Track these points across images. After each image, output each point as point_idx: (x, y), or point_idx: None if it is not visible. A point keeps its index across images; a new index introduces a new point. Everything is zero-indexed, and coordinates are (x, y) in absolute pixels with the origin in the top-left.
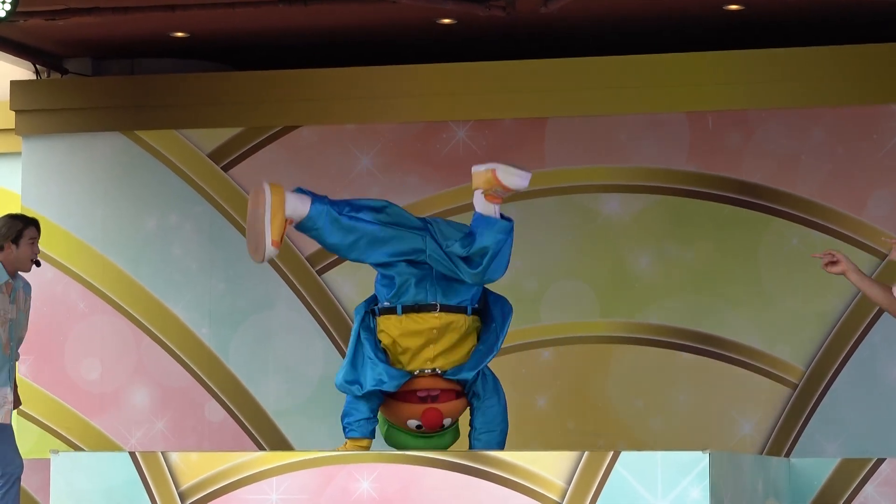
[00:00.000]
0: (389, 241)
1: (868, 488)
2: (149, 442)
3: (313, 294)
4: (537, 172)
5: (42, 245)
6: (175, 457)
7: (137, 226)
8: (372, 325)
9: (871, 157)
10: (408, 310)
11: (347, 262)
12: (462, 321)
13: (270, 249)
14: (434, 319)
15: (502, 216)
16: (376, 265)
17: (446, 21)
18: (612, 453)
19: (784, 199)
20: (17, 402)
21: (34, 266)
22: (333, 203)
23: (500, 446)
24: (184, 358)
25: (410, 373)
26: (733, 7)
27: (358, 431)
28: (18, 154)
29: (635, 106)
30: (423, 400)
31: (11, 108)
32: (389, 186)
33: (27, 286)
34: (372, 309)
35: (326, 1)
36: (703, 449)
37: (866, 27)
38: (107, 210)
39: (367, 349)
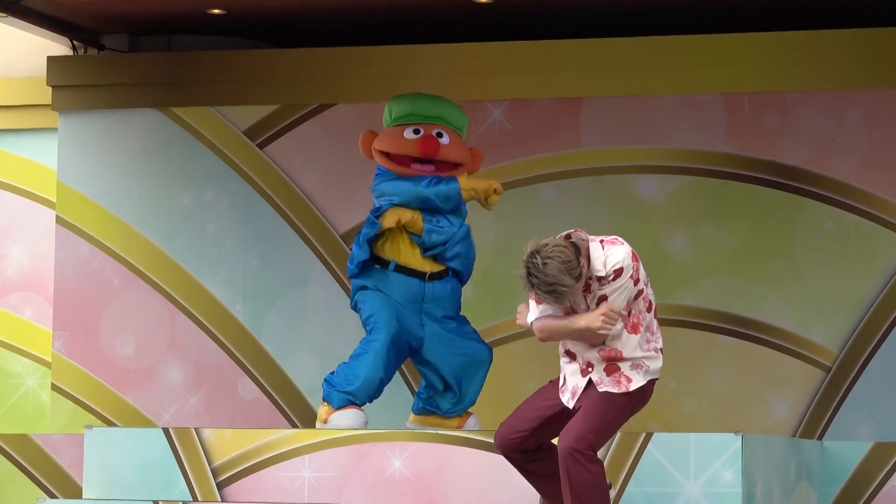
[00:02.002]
0: None
1: None
2: (182, 418)
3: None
4: (572, 153)
5: (78, 221)
6: (208, 433)
7: (172, 202)
8: None
9: None
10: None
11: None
12: None
13: None
14: None
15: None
16: None
17: (483, 0)
18: (644, 434)
19: (820, 182)
20: None
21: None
22: None
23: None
24: (218, 335)
25: None
26: None
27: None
28: (55, 129)
29: (671, 87)
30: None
31: (48, 84)
32: None
33: None
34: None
35: None
36: (735, 431)
37: None
38: (142, 186)
39: None
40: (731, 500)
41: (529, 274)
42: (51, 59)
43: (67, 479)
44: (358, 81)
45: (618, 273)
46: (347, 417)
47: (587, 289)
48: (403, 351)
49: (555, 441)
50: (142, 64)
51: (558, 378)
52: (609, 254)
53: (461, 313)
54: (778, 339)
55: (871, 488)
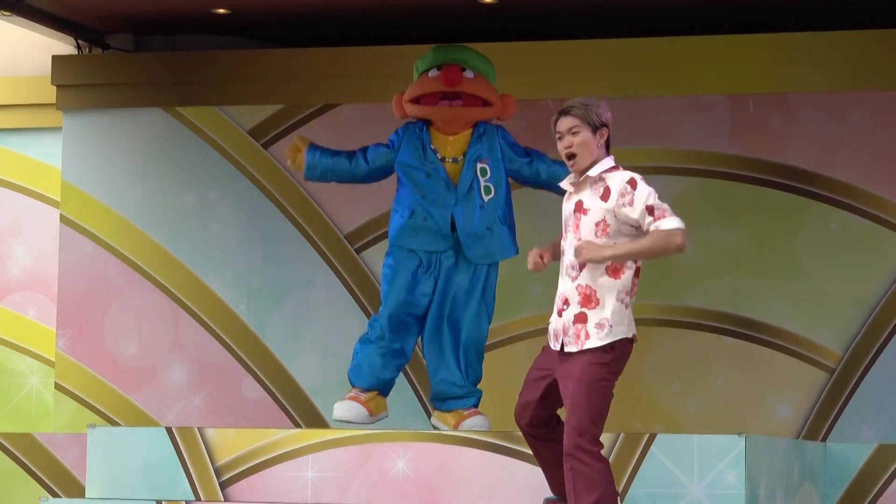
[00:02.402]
0: None
1: None
2: (185, 418)
3: (351, 272)
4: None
5: (82, 220)
6: (211, 433)
7: (177, 202)
8: None
9: None
10: None
11: (386, 241)
12: None
13: None
14: None
15: None
16: None
17: (488, 0)
18: (648, 435)
19: (824, 183)
20: None
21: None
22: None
23: None
24: (221, 334)
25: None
26: None
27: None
28: (59, 129)
29: (676, 88)
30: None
31: (53, 83)
32: None
33: None
34: None
35: None
36: (739, 432)
37: None
38: (146, 186)
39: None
40: (735, 502)
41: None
42: (55, 59)
43: (70, 479)
44: (362, 81)
45: (632, 183)
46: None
47: (579, 205)
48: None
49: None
50: (146, 63)
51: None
52: (617, 172)
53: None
54: (782, 340)
55: (875, 490)
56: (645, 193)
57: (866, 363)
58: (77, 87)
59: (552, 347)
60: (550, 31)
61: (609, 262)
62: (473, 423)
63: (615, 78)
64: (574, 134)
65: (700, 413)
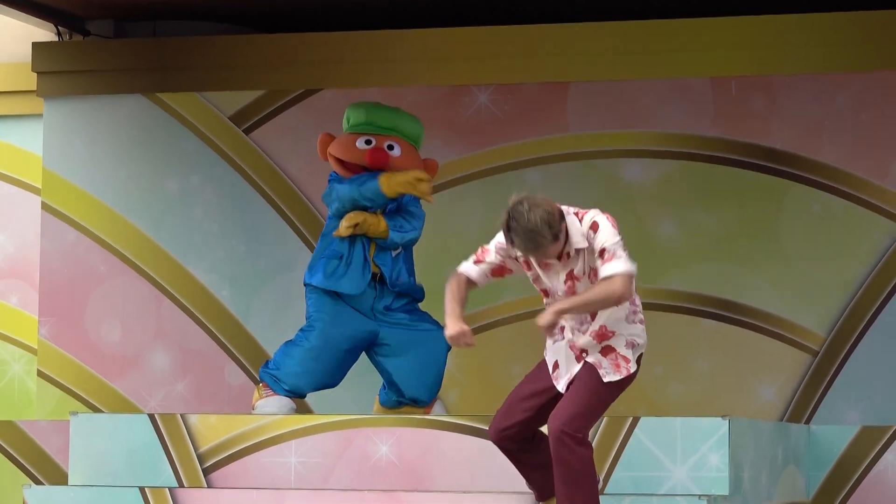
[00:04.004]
0: None
1: (888, 456)
2: (168, 404)
3: None
4: (559, 137)
5: (63, 207)
6: (194, 419)
7: (158, 188)
8: None
9: (895, 123)
10: None
11: None
12: None
13: None
14: None
15: None
16: None
17: None
18: (631, 419)
19: (807, 166)
20: None
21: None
22: None
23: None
24: (204, 321)
25: None
26: None
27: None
28: (40, 116)
29: (658, 71)
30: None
31: (33, 70)
32: None
33: None
34: None
35: None
36: (723, 415)
37: None
38: (128, 172)
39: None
40: (718, 485)
41: (511, 218)
42: (36, 45)
43: (53, 466)
44: (344, 66)
45: (594, 227)
46: (273, 404)
47: (570, 274)
48: (354, 351)
49: (545, 429)
50: (127, 49)
51: (544, 361)
52: (584, 221)
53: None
54: (765, 323)
55: (859, 472)
56: (603, 237)
57: (849, 345)
58: (57, 73)
59: (560, 390)
60: (532, 15)
61: (569, 311)
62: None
63: (597, 61)
64: (545, 256)
65: (683, 396)
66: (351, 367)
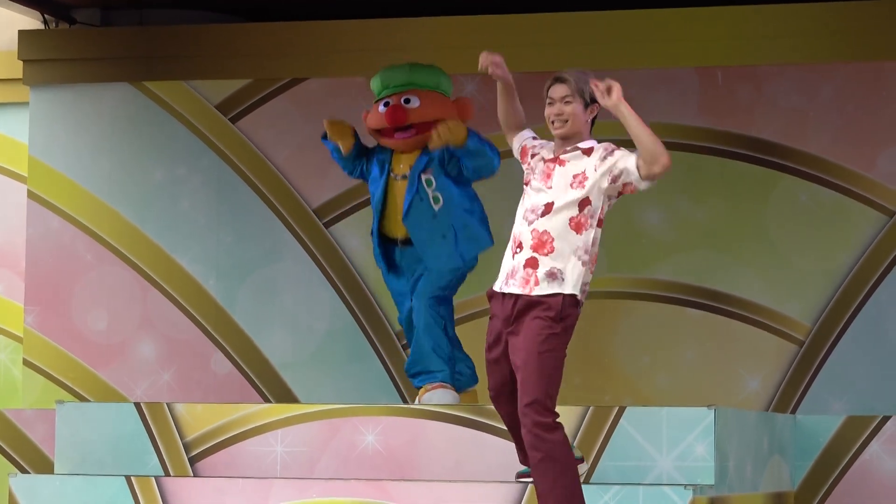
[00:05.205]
0: None
1: (873, 445)
2: (154, 393)
3: (320, 247)
4: (546, 127)
5: (49, 195)
6: (180, 408)
7: (145, 177)
8: None
9: (881, 113)
10: None
11: (354, 215)
12: None
13: None
14: None
15: None
16: None
17: None
18: (617, 408)
19: (793, 156)
20: None
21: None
22: None
23: None
24: (190, 310)
25: None
26: None
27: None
28: (26, 104)
29: (645, 60)
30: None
31: (20, 58)
32: None
33: None
34: None
35: None
36: (708, 405)
37: None
38: (114, 161)
39: None
40: (704, 474)
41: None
42: (22, 34)
43: (39, 455)
44: (330, 56)
45: (608, 148)
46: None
47: (562, 162)
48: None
49: None
50: (113, 38)
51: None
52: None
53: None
54: (751, 313)
55: (844, 462)
56: (622, 152)
57: (835, 335)
58: (44, 61)
59: (499, 290)
60: (518, 5)
61: (624, 116)
62: (431, 397)
63: (583, 51)
64: (566, 103)
65: (669, 386)
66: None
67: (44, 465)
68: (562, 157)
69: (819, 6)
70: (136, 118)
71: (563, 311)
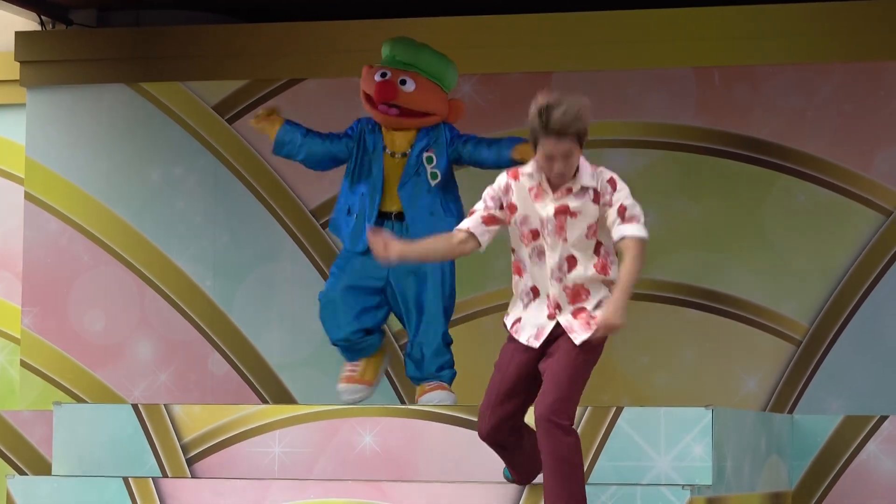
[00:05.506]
0: None
1: (871, 445)
2: (152, 394)
3: (317, 247)
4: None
5: (46, 197)
6: (178, 409)
7: (142, 178)
8: None
9: (879, 113)
10: None
11: None
12: None
13: None
14: None
15: None
16: None
17: None
18: (615, 408)
19: (791, 156)
20: None
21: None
22: None
23: None
24: (187, 311)
25: None
26: None
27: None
28: (23, 105)
29: (642, 61)
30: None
31: (16, 60)
32: None
33: None
34: None
35: None
36: (706, 405)
37: None
38: (111, 162)
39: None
40: (702, 474)
41: (556, 102)
42: (19, 35)
43: (37, 456)
44: (328, 56)
45: (612, 183)
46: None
47: (566, 209)
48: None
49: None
50: (110, 39)
51: (506, 346)
52: (597, 170)
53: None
54: (749, 313)
55: (842, 462)
56: (624, 195)
57: (832, 335)
58: (40, 63)
59: (527, 343)
60: (516, 5)
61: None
62: (431, 398)
63: (580, 51)
64: (568, 157)
65: (667, 386)
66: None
67: (41, 467)
68: (571, 206)
69: (816, 6)
70: (133, 119)
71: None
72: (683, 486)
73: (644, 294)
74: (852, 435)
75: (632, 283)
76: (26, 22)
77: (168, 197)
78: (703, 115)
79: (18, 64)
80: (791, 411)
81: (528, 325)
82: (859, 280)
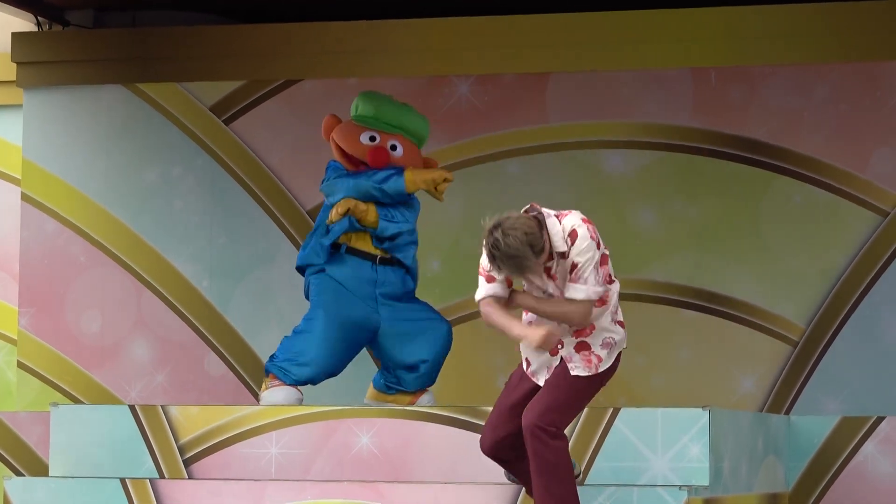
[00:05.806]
0: None
1: (868, 446)
2: (149, 395)
3: None
4: (539, 128)
5: (43, 198)
6: (175, 410)
7: (138, 179)
8: None
9: (875, 114)
10: None
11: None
12: None
13: None
14: None
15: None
16: None
17: None
18: (612, 409)
19: (787, 156)
20: None
21: None
22: None
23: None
24: (184, 311)
25: None
26: None
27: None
28: (20, 106)
29: (638, 61)
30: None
31: (13, 61)
32: None
33: None
34: None
35: None
36: (703, 406)
37: None
38: (108, 163)
39: None
40: (699, 475)
41: (493, 247)
42: (15, 36)
43: (34, 457)
44: (324, 57)
45: (573, 236)
46: (279, 394)
47: (547, 271)
48: (357, 339)
49: None
50: (107, 40)
51: (520, 366)
52: (564, 225)
53: (420, 299)
54: (745, 314)
55: (838, 462)
56: (577, 250)
57: (829, 336)
58: (37, 63)
59: (534, 380)
60: (512, 6)
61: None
62: (420, 402)
63: (577, 52)
64: (537, 273)
65: (664, 387)
66: (354, 356)
67: (39, 468)
68: (552, 269)
69: (812, 6)
70: (130, 120)
71: (615, 364)
72: (680, 486)
73: (641, 294)
74: (849, 436)
75: (551, 310)
76: (23, 23)
77: (165, 198)
78: (699, 116)
79: (15, 65)
80: (788, 412)
81: (539, 367)
82: (856, 281)
